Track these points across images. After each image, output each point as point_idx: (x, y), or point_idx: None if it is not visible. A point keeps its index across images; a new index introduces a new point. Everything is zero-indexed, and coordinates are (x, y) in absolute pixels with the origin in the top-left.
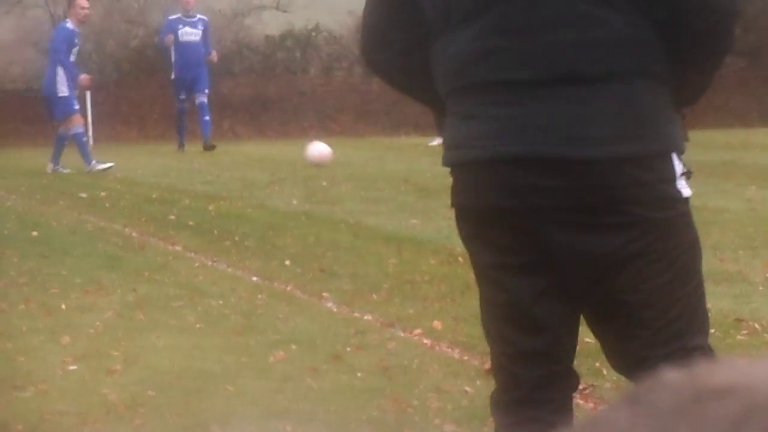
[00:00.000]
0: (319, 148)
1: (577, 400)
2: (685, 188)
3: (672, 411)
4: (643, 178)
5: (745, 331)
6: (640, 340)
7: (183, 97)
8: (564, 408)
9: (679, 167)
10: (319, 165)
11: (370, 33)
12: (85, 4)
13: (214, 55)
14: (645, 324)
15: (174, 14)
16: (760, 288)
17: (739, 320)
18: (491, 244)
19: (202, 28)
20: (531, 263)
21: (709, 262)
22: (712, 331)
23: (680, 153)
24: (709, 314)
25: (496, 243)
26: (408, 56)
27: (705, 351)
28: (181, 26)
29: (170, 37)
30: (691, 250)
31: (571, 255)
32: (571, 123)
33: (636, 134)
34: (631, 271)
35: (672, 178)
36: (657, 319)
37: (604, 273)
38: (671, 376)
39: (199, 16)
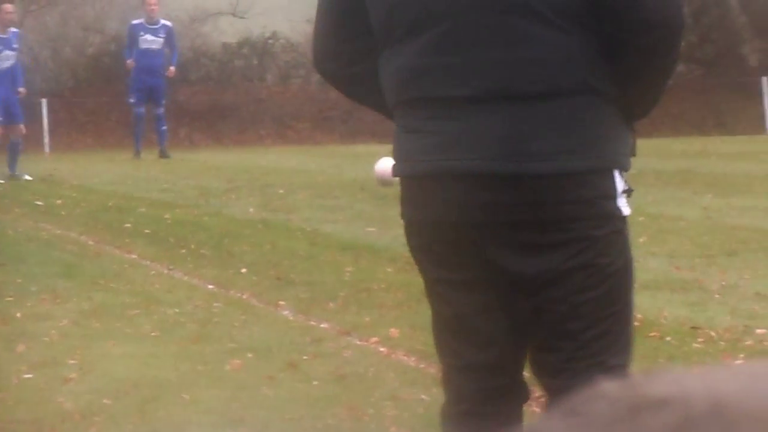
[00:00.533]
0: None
1: (534, 408)
2: (624, 207)
3: (608, 422)
4: (583, 195)
5: (701, 339)
6: (563, 352)
7: (133, 100)
8: (512, 420)
9: (620, 185)
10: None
11: (320, 43)
12: (10, 9)
13: (171, 71)
14: (569, 336)
15: (137, 19)
16: (716, 296)
17: (694, 328)
18: (435, 258)
19: (164, 35)
20: (473, 279)
21: (665, 270)
22: (667, 338)
23: (623, 170)
24: (665, 322)
25: (439, 257)
26: (356, 66)
27: (625, 371)
28: (142, 33)
29: (131, 63)
30: (624, 269)
31: (511, 270)
32: (511, 139)
33: (576, 150)
34: (565, 284)
35: (613, 195)
36: (581, 333)
37: (541, 286)
38: (608, 387)
39: (163, 22)
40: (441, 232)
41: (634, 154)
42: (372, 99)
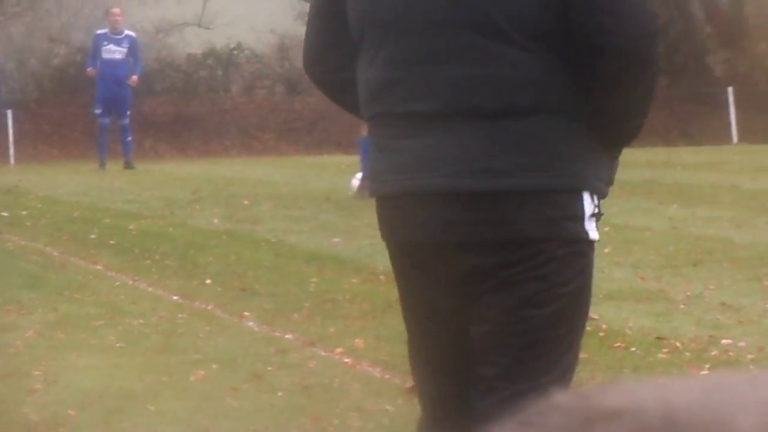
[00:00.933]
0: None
1: None
2: (592, 230)
3: None
4: (547, 214)
5: (666, 350)
6: (496, 368)
7: (99, 111)
8: None
9: (589, 207)
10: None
11: (309, 47)
12: None
13: (134, 80)
14: (505, 351)
15: (102, 29)
16: (681, 306)
17: (660, 338)
18: (405, 281)
19: (127, 45)
20: (440, 309)
21: (630, 281)
22: (633, 349)
23: (595, 193)
24: (630, 332)
25: (408, 280)
26: (343, 72)
27: None
28: (105, 43)
29: (91, 71)
30: (578, 293)
31: (470, 287)
32: (474, 156)
33: (538, 168)
34: (513, 293)
35: (579, 217)
36: (519, 350)
37: (489, 291)
38: (562, 399)
39: (126, 32)
40: (408, 253)
41: (610, 183)
42: (353, 105)
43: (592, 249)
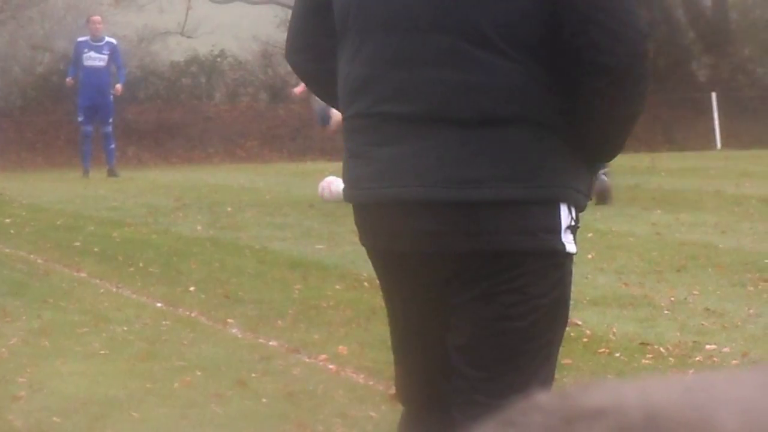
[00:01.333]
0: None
1: None
2: (569, 243)
3: None
4: (523, 225)
5: (650, 355)
6: (474, 382)
7: (81, 119)
8: None
9: (566, 219)
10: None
11: (292, 36)
12: None
13: (118, 89)
14: (481, 365)
15: (83, 36)
16: (666, 312)
17: (644, 344)
18: (385, 286)
19: (108, 53)
20: (420, 317)
21: (614, 286)
22: (617, 354)
23: (572, 206)
24: (614, 338)
25: (388, 286)
26: (324, 63)
27: None
28: (86, 50)
29: (71, 81)
30: (555, 305)
31: (452, 302)
32: (451, 165)
33: (515, 179)
34: (489, 305)
35: (555, 229)
36: (495, 364)
37: (465, 303)
38: (544, 399)
39: (107, 39)
40: (389, 260)
41: (590, 198)
42: (330, 97)
43: (570, 261)
